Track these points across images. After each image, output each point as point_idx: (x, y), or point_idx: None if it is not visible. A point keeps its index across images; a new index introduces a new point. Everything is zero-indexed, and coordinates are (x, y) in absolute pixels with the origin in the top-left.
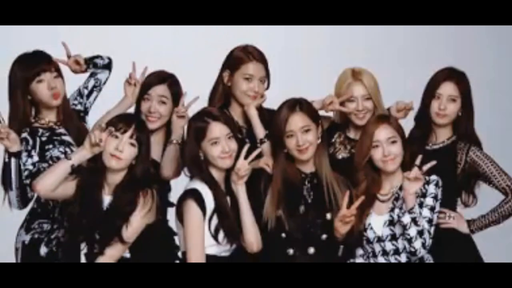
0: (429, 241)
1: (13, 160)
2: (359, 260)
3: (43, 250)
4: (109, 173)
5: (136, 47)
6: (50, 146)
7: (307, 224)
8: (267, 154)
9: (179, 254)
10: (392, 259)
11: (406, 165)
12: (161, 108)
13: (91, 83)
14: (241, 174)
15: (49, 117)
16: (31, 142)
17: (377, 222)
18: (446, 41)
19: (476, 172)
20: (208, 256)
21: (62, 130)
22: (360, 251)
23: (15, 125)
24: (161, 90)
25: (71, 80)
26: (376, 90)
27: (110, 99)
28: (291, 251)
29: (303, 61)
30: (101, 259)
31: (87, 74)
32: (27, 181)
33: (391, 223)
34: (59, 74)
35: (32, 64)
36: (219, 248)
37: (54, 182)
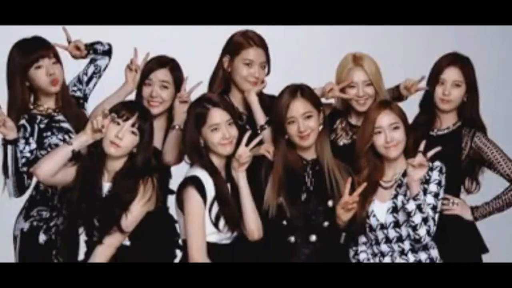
0: (433, 228)
1: (9, 147)
2: (362, 247)
3: (42, 238)
4: (109, 160)
5: (136, 33)
6: (49, 133)
7: (309, 211)
8: (268, 140)
9: (180, 241)
10: (395, 247)
11: (409, 151)
12: (163, 93)
13: (91, 69)
14: (242, 161)
15: (48, 104)
16: (29, 129)
17: (380, 209)
18: (449, 27)
19: (480, 159)
20: (209, 244)
21: (61, 117)
22: (363, 239)
23: (14, 112)
24: (162, 74)
25: (70, 66)
26: (377, 76)
27: (110, 85)
28: (292, 239)
29: (305, 46)
30: (100, 249)
31: (86, 61)
32: (25, 169)
33: (395, 210)
34: (58, 60)
35: (30, 50)
36: (220, 236)
37: (54, 167)
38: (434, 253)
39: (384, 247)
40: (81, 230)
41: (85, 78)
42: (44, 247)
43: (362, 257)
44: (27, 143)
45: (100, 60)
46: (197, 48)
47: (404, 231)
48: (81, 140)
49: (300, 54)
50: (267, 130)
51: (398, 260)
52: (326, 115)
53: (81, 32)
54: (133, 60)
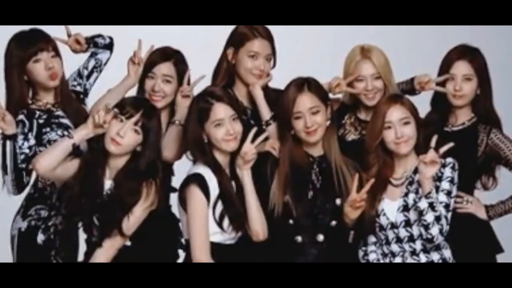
0: (446, 227)
1: (8, 143)
2: (371, 247)
3: (40, 237)
4: (111, 157)
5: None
6: (48, 129)
7: (316, 210)
8: (274, 136)
9: (182, 241)
10: (407, 247)
11: (420, 148)
12: (165, 87)
13: (91, 63)
14: (248, 159)
15: (47, 99)
16: (27, 124)
17: (390, 208)
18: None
19: (496, 156)
20: (213, 244)
21: (60, 113)
22: (372, 239)
23: (12, 107)
24: (165, 68)
25: (70, 60)
26: (386, 69)
27: (111, 80)
28: (299, 239)
29: (312, 40)
30: (99, 251)
31: (87, 54)
32: (23, 165)
33: (405, 208)
34: (57, 54)
35: (28, 43)
36: (224, 235)
37: (55, 160)
38: (447, 253)
39: (394, 247)
40: (80, 227)
41: (86, 72)
42: (43, 247)
43: (372, 257)
44: (26, 139)
45: (101, 54)
46: (200, 41)
47: (415, 230)
48: (82, 134)
49: (308, 48)
50: (272, 126)
51: (409, 260)
52: (334, 110)
53: (81, 27)
54: (136, 53)
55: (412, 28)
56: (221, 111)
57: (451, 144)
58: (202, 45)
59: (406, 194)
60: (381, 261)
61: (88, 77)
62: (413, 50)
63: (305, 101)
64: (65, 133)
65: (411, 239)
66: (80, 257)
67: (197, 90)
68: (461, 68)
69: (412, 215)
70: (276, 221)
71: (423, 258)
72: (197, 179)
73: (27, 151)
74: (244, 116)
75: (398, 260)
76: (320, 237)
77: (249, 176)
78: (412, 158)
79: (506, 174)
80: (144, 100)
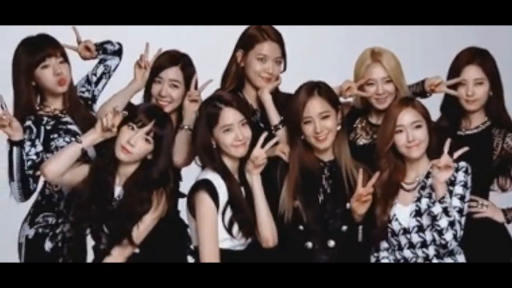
0: (460, 233)
1: (15, 149)
2: (384, 253)
3: (48, 245)
4: (120, 164)
5: (147, 30)
6: (55, 135)
7: (326, 215)
8: (283, 141)
9: (191, 247)
10: (419, 252)
11: (432, 152)
12: (173, 92)
13: (100, 69)
14: (258, 164)
15: (55, 105)
16: (35, 131)
17: (402, 213)
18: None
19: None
20: (222, 251)
21: (68, 119)
22: (384, 244)
23: (19, 113)
24: (173, 73)
25: (78, 66)
26: (397, 72)
27: (120, 86)
28: (309, 245)
29: (322, 42)
30: (108, 259)
31: (95, 60)
32: (30, 172)
33: (418, 213)
34: (65, 59)
35: (36, 49)
36: (233, 242)
37: (63, 165)
38: (461, 258)
39: (407, 253)
40: (88, 234)
41: (94, 79)
42: (50, 255)
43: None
44: (33, 145)
45: (110, 60)
46: (208, 43)
47: (428, 235)
48: (90, 139)
49: (317, 48)
50: (282, 130)
51: None
52: (345, 115)
53: (88, 30)
54: (142, 56)
55: (423, 29)
56: (230, 116)
57: (465, 149)
58: (209, 46)
59: (419, 199)
60: None
61: (97, 83)
62: (423, 51)
63: (315, 106)
64: (73, 139)
65: (424, 244)
66: None
67: (204, 93)
68: (472, 72)
69: (425, 220)
70: (286, 227)
71: None
72: (206, 185)
73: (34, 157)
74: (253, 118)
75: None
76: (331, 243)
77: (259, 181)
78: (424, 162)
79: None
80: (157, 108)
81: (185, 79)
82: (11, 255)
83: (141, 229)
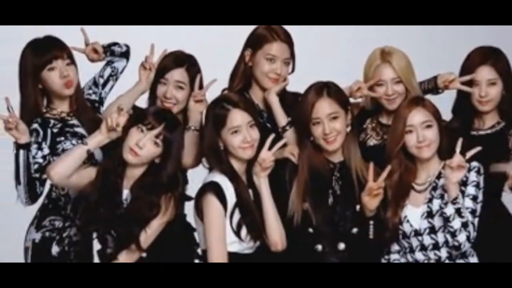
0: (473, 234)
1: (21, 152)
2: (395, 256)
3: (54, 249)
4: (128, 166)
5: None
6: (62, 138)
7: (336, 217)
8: (292, 142)
9: (199, 251)
10: (431, 255)
11: (443, 152)
12: (178, 94)
13: (107, 71)
14: (266, 166)
15: (62, 108)
16: (41, 133)
17: (413, 215)
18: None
19: None
20: (230, 254)
21: (75, 122)
22: (395, 247)
23: (26, 115)
24: (178, 74)
25: (85, 68)
26: (407, 72)
27: (125, 88)
28: (319, 247)
29: (331, 42)
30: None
31: (102, 62)
32: (37, 175)
33: (429, 215)
34: (72, 61)
35: (43, 51)
36: (241, 245)
37: (69, 168)
38: (473, 260)
39: (419, 255)
40: (95, 238)
41: (101, 81)
42: (57, 259)
43: None
44: (40, 148)
45: (118, 62)
46: (214, 45)
47: (440, 237)
48: (96, 140)
49: (327, 50)
50: (291, 131)
51: None
52: (354, 116)
53: (94, 30)
54: (147, 58)
55: (433, 28)
56: (238, 117)
57: (478, 148)
58: (215, 46)
59: (430, 200)
60: None
61: (104, 85)
62: (434, 50)
63: (324, 107)
64: (79, 142)
65: (436, 246)
66: None
67: (209, 93)
68: (485, 73)
69: (437, 222)
70: (295, 229)
71: None
72: (213, 188)
73: (40, 160)
74: (260, 119)
75: None
76: (341, 246)
77: (267, 184)
78: (435, 163)
79: None
80: (167, 112)
81: (191, 81)
82: (18, 260)
83: (149, 234)
